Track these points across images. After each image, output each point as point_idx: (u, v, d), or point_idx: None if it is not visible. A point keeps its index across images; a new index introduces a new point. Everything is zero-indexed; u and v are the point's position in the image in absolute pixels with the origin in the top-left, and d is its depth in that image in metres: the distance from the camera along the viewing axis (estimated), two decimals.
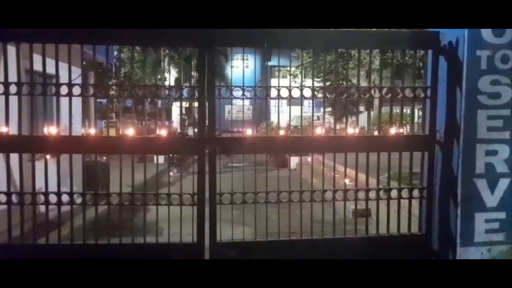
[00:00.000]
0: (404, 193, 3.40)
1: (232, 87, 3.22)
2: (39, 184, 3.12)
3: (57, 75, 3.06)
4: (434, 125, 3.34)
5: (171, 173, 3.38)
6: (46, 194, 3.11)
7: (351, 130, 3.39)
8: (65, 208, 3.15)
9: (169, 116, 27.14)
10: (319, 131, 3.33)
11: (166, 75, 19.17)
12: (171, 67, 18.72)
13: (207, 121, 3.16)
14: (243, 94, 3.19)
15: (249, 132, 3.26)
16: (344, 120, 3.46)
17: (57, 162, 3.13)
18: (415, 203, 3.43)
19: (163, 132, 3.27)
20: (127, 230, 3.28)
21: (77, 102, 3.15)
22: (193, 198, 3.18)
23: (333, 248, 3.26)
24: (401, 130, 3.42)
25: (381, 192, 3.38)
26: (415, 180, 3.52)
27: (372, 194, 3.36)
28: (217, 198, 3.19)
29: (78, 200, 3.15)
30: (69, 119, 3.10)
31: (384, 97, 3.33)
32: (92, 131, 3.97)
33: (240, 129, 4.04)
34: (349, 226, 3.37)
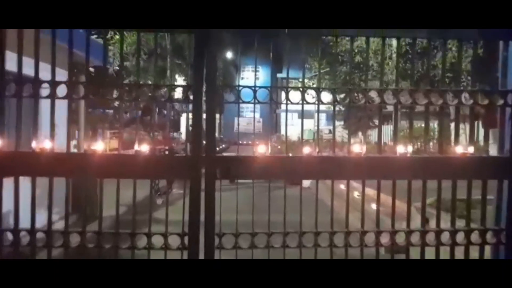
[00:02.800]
0: (474, 236, 2.48)
1: (240, 87, 2.38)
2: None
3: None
4: None
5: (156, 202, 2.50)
6: None
7: (401, 149, 2.47)
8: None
9: (177, 128, 26.53)
10: (357, 149, 2.42)
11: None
12: (178, 76, 18.09)
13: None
14: (255, 97, 2.33)
15: (261, 148, 2.36)
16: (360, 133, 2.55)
17: None
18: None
19: (144, 148, 2.36)
20: None
21: (59, 110, 2.35)
22: (183, 239, 2.30)
23: None
24: (469, 150, 2.50)
25: (443, 235, 2.45)
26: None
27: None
28: (216, 240, 2.30)
29: (25, 239, 2.29)
30: (17, 126, 2.28)
31: (448, 104, 2.44)
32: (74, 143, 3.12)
33: (250, 142, 3.35)
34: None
